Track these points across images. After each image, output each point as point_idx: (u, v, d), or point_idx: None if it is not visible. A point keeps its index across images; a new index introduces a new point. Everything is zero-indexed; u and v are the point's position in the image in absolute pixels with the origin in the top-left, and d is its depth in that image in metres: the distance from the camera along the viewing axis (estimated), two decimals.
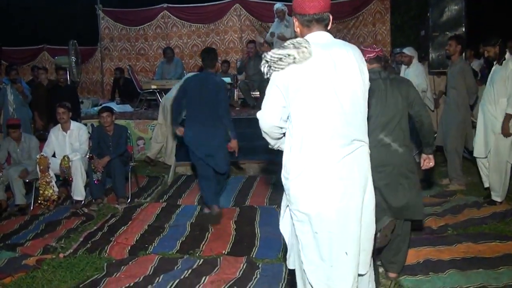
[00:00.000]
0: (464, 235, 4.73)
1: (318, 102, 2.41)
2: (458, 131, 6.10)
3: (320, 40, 2.49)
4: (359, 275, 2.57)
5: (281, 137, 2.66)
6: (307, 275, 2.49)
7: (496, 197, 5.46)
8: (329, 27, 2.58)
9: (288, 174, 2.50)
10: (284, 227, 2.69)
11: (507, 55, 5.16)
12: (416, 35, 13.04)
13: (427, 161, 3.84)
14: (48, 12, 12.97)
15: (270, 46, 10.35)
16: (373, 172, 2.63)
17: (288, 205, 2.58)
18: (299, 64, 2.40)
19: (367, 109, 2.57)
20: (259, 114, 2.61)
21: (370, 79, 2.67)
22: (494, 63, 5.33)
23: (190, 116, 5.44)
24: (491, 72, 5.45)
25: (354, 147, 2.45)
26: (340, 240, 2.42)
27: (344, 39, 10.86)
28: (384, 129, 3.55)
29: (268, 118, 2.56)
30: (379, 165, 3.38)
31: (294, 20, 2.60)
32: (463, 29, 7.61)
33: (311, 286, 2.50)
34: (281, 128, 2.58)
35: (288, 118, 2.53)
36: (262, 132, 2.66)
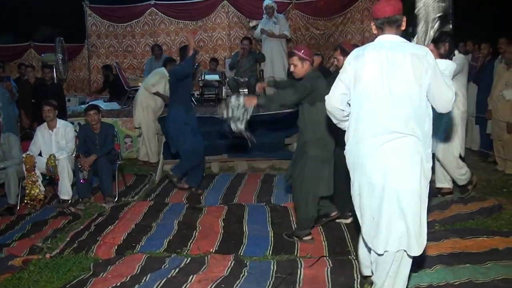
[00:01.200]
0: (451, 231, 4.74)
1: (369, 95, 2.99)
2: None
3: (385, 41, 3.02)
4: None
5: (345, 120, 3.26)
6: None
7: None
8: (402, 28, 3.06)
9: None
10: None
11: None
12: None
13: None
14: (35, 9, 12.85)
15: (258, 42, 10.38)
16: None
17: None
18: (356, 62, 3.02)
19: (426, 108, 2.99)
20: (326, 97, 3.26)
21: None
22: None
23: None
24: None
25: (393, 137, 2.94)
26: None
27: (332, 36, 11.03)
28: None
29: (331, 101, 3.23)
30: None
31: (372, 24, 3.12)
32: (450, 26, 7.64)
33: None
34: (343, 110, 3.21)
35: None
36: (327, 112, 3.32)
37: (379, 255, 3.14)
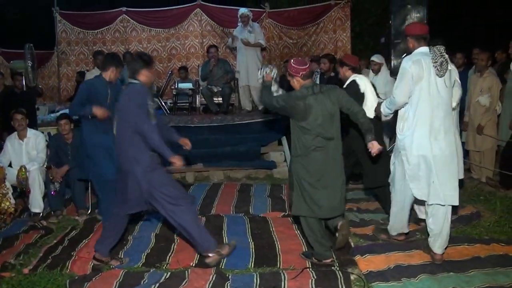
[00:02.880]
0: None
1: (424, 92, 4.10)
2: None
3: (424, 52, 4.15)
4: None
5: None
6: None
7: None
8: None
9: (402, 132, 4.25)
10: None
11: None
12: (374, 43, 13.27)
13: (373, 146, 4.25)
14: (2, 14, 12.50)
15: (232, 51, 10.33)
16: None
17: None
18: (416, 66, 4.07)
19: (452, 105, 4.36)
20: (395, 95, 4.24)
21: (303, 96, 4.17)
22: None
23: None
24: None
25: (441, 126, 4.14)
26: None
27: (305, 45, 11.07)
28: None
29: (403, 96, 4.20)
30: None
31: (408, 38, 4.25)
32: None
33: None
34: (406, 103, 4.23)
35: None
36: (393, 106, 4.33)
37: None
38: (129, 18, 11.24)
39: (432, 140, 4.13)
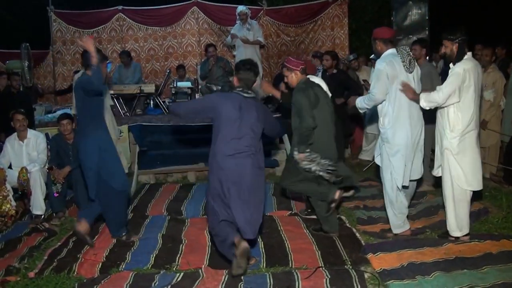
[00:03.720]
0: (442, 236, 4.74)
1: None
2: (427, 132, 6.12)
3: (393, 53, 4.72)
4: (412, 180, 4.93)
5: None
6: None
7: None
8: None
9: (384, 125, 4.72)
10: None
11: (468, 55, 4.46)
12: (371, 40, 13.18)
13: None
14: None
15: (230, 49, 10.24)
16: None
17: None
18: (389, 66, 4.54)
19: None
20: (374, 93, 4.64)
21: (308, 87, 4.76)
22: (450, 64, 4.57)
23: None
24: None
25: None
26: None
27: (303, 43, 11.01)
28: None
29: (381, 94, 4.61)
30: None
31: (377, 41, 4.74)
32: (427, 33, 7.75)
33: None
34: (384, 100, 4.67)
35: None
36: (372, 102, 4.72)
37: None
38: (125, 17, 11.09)
39: (412, 129, 4.64)
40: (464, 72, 4.33)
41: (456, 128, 4.44)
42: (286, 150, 7.67)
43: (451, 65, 4.48)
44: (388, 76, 4.56)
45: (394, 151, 4.66)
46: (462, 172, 4.48)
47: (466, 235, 4.61)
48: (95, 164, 4.69)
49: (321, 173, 4.67)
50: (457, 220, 4.57)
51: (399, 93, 4.59)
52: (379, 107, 4.75)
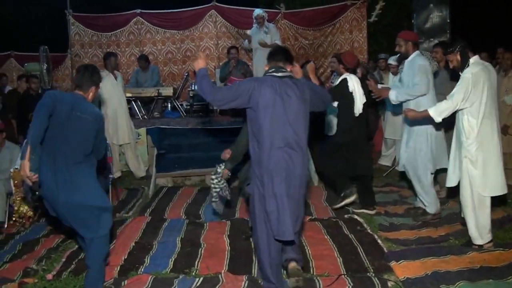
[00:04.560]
0: (466, 244, 4.63)
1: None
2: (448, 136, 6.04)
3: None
4: None
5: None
6: None
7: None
8: None
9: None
10: None
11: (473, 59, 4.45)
12: (389, 43, 13.08)
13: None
14: (15, 17, 12.42)
15: (248, 53, 10.19)
16: None
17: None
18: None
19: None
20: (421, 88, 5.07)
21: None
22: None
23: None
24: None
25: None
26: None
27: (321, 46, 10.92)
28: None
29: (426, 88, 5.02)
30: None
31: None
32: (448, 36, 7.64)
33: None
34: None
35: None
36: (416, 95, 5.11)
37: None
38: (143, 20, 11.09)
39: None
40: (472, 76, 4.28)
41: (472, 135, 4.39)
42: None
43: (460, 74, 4.45)
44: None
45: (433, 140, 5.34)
46: (481, 178, 4.40)
47: (489, 242, 4.51)
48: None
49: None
50: (479, 228, 4.48)
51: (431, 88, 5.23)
52: (414, 102, 5.14)
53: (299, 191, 3.59)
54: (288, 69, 3.70)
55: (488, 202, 4.47)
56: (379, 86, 5.92)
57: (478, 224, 4.47)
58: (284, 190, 3.48)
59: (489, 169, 4.41)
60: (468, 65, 4.38)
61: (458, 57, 4.42)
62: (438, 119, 4.46)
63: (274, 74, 3.61)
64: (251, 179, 3.69)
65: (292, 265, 3.69)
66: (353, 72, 5.76)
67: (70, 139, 3.69)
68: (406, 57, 5.32)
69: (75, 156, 3.70)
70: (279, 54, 3.75)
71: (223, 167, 4.71)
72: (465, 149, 4.42)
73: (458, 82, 4.40)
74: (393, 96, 5.24)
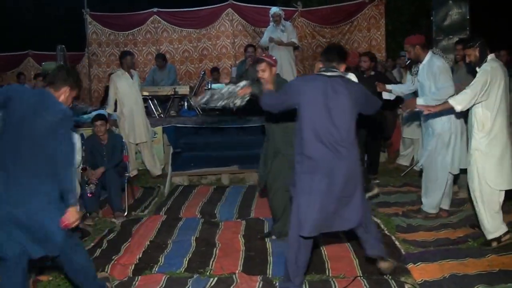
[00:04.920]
0: (485, 244, 4.55)
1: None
2: None
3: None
4: None
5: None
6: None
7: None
8: None
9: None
10: None
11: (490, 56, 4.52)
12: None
13: None
14: (33, 16, 12.53)
15: (265, 51, 10.13)
16: None
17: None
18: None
19: None
20: (451, 89, 4.92)
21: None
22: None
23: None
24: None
25: None
26: None
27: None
28: None
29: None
30: None
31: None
32: (468, 33, 7.51)
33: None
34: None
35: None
36: (445, 97, 4.75)
37: None
38: (160, 19, 11.13)
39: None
40: (491, 69, 4.37)
41: (485, 128, 4.45)
42: None
43: (477, 69, 4.50)
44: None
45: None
46: (491, 171, 4.45)
47: (505, 234, 4.52)
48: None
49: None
50: (492, 221, 4.49)
51: None
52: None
53: (343, 188, 3.54)
54: (341, 69, 3.74)
55: (498, 196, 4.50)
56: (389, 86, 5.87)
57: (490, 217, 4.49)
58: (324, 187, 3.48)
59: (501, 163, 4.46)
60: (486, 60, 4.45)
61: (477, 52, 4.48)
62: (458, 108, 4.43)
63: (323, 73, 3.67)
64: (295, 173, 3.67)
65: (384, 265, 3.78)
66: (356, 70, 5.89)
67: (25, 144, 3.23)
68: (418, 61, 5.26)
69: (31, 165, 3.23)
70: (333, 54, 3.77)
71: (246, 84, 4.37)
72: (477, 142, 4.47)
73: (478, 74, 4.42)
74: (422, 102, 5.08)
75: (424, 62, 5.20)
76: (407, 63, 5.80)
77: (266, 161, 4.82)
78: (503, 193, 4.55)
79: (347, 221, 3.64)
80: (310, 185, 3.51)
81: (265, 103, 3.79)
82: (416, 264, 4.13)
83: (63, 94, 3.41)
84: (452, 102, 4.44)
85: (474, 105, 4.44)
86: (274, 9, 9.34)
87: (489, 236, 4.51)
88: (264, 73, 4.50)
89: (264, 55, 5.00)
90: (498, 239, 4.48)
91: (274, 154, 4.73)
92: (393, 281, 3.85)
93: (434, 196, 5.35)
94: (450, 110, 4.63)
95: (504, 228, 4.50)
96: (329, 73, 3.65)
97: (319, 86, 3.57)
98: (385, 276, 3.97)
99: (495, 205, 4.49)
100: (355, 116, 3.64)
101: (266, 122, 4.80)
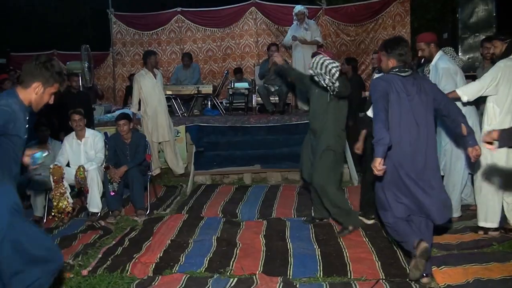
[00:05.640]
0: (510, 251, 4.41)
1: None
2: None
3: None
4: None
5: None
6: None
7: None
8: None
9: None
10: None
11: None
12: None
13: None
14: (58, 16, 12.70)
15: (288, 50, 10.08)
16: None
17: None
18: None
19: None
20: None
21: None
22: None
23: None
24: None
25: None
26: None
27: (363, 43, 10.69)
28: None
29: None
30: None
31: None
32: (494, 30, 7.34)
33: None
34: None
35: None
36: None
37: None
38: (184, 18, 11.18)
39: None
40: (505, 67, 4.49)
41: (493, 122, 4.56)
42: (344, 153, 7.43)
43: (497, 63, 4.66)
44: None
45: None
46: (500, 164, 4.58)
47: (495, 229, 4.74)
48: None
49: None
50: (489, 210, 4.69)
51: None
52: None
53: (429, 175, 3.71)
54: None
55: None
56: None
57: (488, 206, 4.69)
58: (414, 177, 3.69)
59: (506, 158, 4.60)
60: (506, 58, 4.60)
61: (503, 48, 4.70)
62: (464, 98, 4.56)
63: (398, 73, 3.73)
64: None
65: (424, 245, 3.67)
66: None
67: None
68: (431, 60, 5.16)
69: None
70: (403, 50, 3.77)
71: None
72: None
73: (491, 68, 4.63)
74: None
75: (432, 62, 5.12)
76: (421, 62, 5.66)
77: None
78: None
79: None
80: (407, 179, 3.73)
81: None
82: (440, 268, 4.02)
83: (34, 91, 2.98)
84: (459, 92, 4.59)
85: (486, 100, 4.62)
86: (298, 8, 9.27)
87: (479, 223, 4.80)
88: None
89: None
90: (486, 230, 4.76)
91: None
92: (416, 285, 3.76)
93: (456, 199, 5.21)
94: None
95: (496, 223, 4.74)
96: (403, 74, 3.74)
97: (394, 86, 3.69)
98: (407, 279, 3.89)
99: (495, 197, 4.69)
100: (432, 112, 3.83)
101: None
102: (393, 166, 3.65)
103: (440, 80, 4.90)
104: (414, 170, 3.66)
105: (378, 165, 3.43)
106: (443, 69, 4.94)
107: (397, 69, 3.73)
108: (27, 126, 3.01)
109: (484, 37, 6.82)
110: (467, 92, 4.56)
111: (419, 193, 3.64)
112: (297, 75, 5.61)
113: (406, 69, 3.73)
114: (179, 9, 11.19)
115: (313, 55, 4.98)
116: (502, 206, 4.75)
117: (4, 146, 2.88)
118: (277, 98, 8.82)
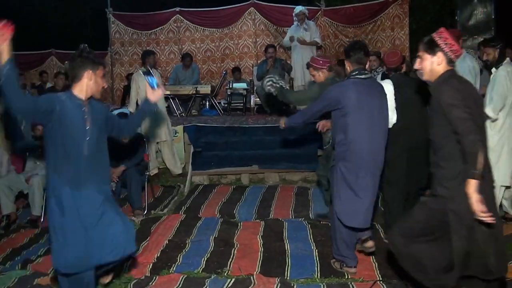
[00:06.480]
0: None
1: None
2: None
3: None
4: None
5: None
6: None
7: None
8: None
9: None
10: None
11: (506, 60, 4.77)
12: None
13: None
14: (58, 16, 12.68)
15: (287, 50, 10.09)
16: None
17: None
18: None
19: None
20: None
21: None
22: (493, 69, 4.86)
23: None
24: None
25: None
26: None
27: None
28: None
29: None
30: None
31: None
32: (493, 33, 7.37)
33: None
34: None
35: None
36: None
37: None
38: (183, 18, 11.19)
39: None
40: (508, 73, 4.65)
41: (497, 125, 4.74)
42: None
43: (493, 70, 4.78)
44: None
45: None
46: (499, 168, 4.61)
47: None
48: None
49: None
50: None
51: None
52: None
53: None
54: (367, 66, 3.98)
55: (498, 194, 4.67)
56: None
57: None
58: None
59: (506, 160, 4.77)
60: (502, 64, 4.71)
61: (496, 54, 4.74)
62: (495, 116, 4.69)
63: (358, 76, 3.84)
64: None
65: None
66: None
67: None
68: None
69: None
70: (359, 54, 3.88)
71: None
72: (489, 140, 4.51)
73: (497, 80, 4.66)
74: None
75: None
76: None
77: None
78: (503, 189, 4.91)
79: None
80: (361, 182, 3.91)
81: (304, 122, 4.36)
82: None
83: (87, 78, 3.30)
84: (490, 114, 4.66)
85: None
86: (298, 8, 9.28)
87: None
88: (314, 77, 5.07)
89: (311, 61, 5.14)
90: None
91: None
92: (412, 287, 3.76)
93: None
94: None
95: None
96: (362, 76, 3.85)
97: (355, 90, 3.83)
98: (404, 280, 3.88)
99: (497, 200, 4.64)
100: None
101: None
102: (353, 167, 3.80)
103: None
104: (374, 169, 3.85)
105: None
106: (468, 66, 5.31)
107: (356, 72, 3.85)
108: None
109: (482, 39, 6.83)
110: (494, 109, 4.66)
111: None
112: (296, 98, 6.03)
113: (366, 72, 3.88)
114: (177, 9, 11.20)
115: (307, 66, 5.28)
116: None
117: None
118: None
